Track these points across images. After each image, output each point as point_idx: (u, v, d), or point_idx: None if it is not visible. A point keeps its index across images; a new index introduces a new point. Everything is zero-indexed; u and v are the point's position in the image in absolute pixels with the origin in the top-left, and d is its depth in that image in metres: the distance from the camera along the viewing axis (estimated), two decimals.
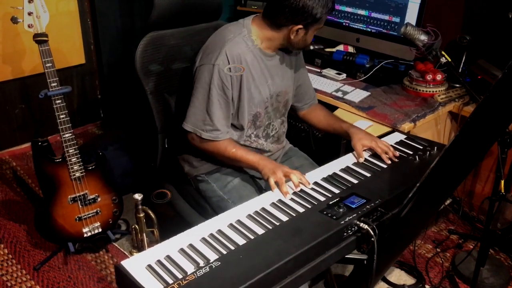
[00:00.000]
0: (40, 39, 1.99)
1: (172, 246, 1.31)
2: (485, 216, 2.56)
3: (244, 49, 1.72)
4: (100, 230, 2.33)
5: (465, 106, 2.29)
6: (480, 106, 1.09)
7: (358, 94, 2.33)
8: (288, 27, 1.69)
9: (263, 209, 1.47)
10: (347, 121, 2.15)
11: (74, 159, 2.16)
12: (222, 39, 1.72)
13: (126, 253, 2.40)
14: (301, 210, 1.46)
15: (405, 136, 1.96)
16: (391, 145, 1.86)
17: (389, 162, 1.72)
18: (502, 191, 1.73)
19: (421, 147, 1.84)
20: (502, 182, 1.72)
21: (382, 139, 1.94)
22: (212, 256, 1.26)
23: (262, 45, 1.77)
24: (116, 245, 2.45)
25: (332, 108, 2.30)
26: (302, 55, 2.00)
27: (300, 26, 1.68)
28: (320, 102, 2.35)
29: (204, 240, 1.33)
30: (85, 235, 2.30)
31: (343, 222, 1.37)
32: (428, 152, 1.77)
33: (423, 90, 2.34)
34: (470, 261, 2.23)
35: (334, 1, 1.72)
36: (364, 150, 1.78)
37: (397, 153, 1.76)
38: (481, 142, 1.13)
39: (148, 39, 1.92)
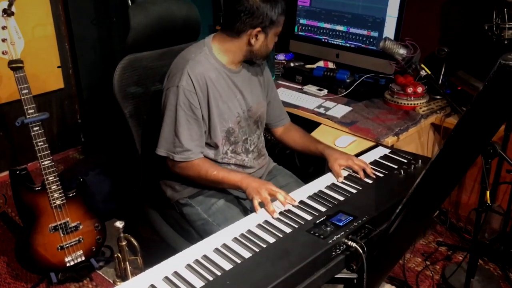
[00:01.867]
0: (15, 65, 1.95)
1: (156, 274, 1.26)
2: (473, 227, 2.57)
3: (207, 66, 1.73)
4: (83, 258, 2.27)
5: (447, 118, 2.30)
6: (463, 119, 1.08)
7: (340, 110, 2.33)
8: (247, 33, 1.70)
9: (249, 231, 1.44)
10: (331, 135, 2.16)
11: (54, 187, 2.11)
12: (184, 60, 1.73)
13: (111, 281, 2.33)
14: (288, 230, 1.43)
15: (389, 150, 1.95)
16: (375, 160, 1.86)
17: (364, 178, 1.71)
18: (488, 201, 1.72)
19: (406, 161, 1.83)
20: (488, 192, 1.71)
21: (366, 154, 1.94)
22: (198, 283, 1.22)
23: (226, 61, 1.77)
24: (101, 273, 2.38)
25: (315, 125, 2.29)
26: (269, 71, 2.01)
27: (259, 29, 1.69)
28: (302, 118, 2.35)
29: (189, 266, 1.29)
30: (67, 265, 2.24)
31: (331, 241, 1.35)
32: (413, 166, 1.76)
33: (404, 103, 2.35)
34: (460, 272, 2.21)
35: (284, 2, 1.73)
36: (343, 169, 1.76)
37: (373, 171, 1.74)
38: (466, 155, 1.12)
39: (126, 62, 1.89)
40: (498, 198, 2.50)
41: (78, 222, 2.22)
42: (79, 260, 2.26)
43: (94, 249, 2.30)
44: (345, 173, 1.76)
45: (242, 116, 1.83)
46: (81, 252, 2.26)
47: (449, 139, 1.12)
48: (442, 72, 2.40)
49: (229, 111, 1.78)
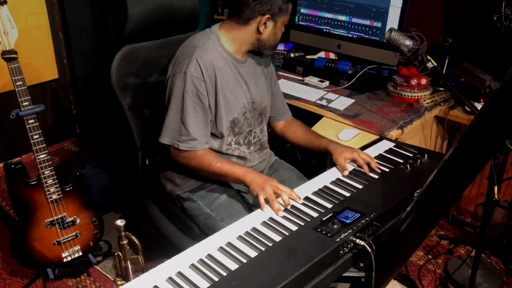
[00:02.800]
0: (9, 56, 1.88)
1: (159, 275, 1.22)
2: (474, 219, 2.55)
3: (215, 54, 1.68)
4: (80, 253, 2.22)
5: (451, 110, 2.26)
6: (480, 115, 1.04)
7: (342, 102, 2.28)
8: (256, 20, 1.66)
9: (254, 229, 1.40)
10: (334, 128, 2.12)
11: (50, 181, 2.05)
12: (191, 47, 1.68)
13: (109, 276, 2.29)
14: (294, 228, 1.39)
15: (394, 144, 1.91)
16: (380, 154, 1.82)
17: (370, 173, 1.68)
18: (496, 197, 1.69)
19: (411, 155, 1.79)
20: (496, 188, 1.68)
21: (371, 147, 1.90)
22: (204, 284, 1.18)
23: (233, 50, 1.73)
24: (98, 268, 2.33)
25: (317, 117, 2.25)
26: (273, 64, 1.96)
27: (268, 16, 1.65)
28: (304, 111, 2.31)
29: (193, 266, 1.25)
30: (64, 260, 2.19)
31: (338, 239, 1.31)
32: (419, 160, 1.72)
33: (408, 95, 2.30)
34: (462, 267, 2.19)
35: None
36: (348, 163, 1.73)
37: (378, 165, 1.71)
38: (482, 152, 1.08)
39: (124, 53, 1.83)
40: (500, 191, 2.48)
41: (75, 216, 2.17)
42: (76, 255, 2.21)
43: (91, 244, 2.25)
44: (350, 167, 1.72)
45: (247, 107, 1.79)
46: (78, 247, 2.21)
47: (464, 136, 1.08)
48: (446, 64, 2.35)
49: (235, 101, 1.74)
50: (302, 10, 2.73)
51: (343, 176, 1.68)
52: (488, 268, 2.29)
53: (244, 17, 1.66)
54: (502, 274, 2.29)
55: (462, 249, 2.46)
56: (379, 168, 1.70)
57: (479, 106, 2.10)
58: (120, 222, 1.28)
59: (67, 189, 2.13)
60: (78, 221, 2.18)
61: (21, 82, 1.92)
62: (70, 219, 2.15)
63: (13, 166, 2.02)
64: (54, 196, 2.08)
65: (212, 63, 1.65)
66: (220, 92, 1.68)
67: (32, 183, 2.05)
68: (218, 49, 1.70)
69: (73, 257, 2.21)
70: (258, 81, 1.84)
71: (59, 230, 2.14)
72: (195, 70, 1.63)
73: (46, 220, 2.10)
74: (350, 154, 1.73)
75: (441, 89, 2.38)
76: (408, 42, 1.93)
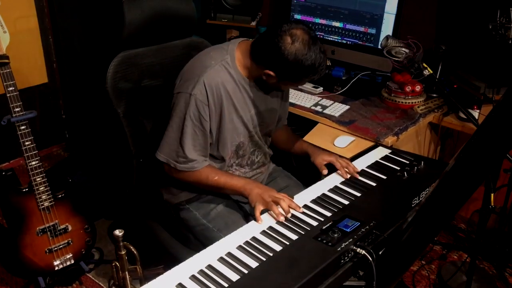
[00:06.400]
0: (1, 61, 1.85)
1: (159, 286, 1.20)
2: (469, 226, 2.56)
3: (225, 77, 1.61)
4: (72, 261, 2.18)
5: (445, 117, 2.27)
6: (484, 125, 1.04)
7: (337, 108, 2.28)
8: (260, 66, 1.60)
9: (254, 238, 1.39)
10: (329, 135, 2.12)
11: (42, 188, 2.02)
12: (202, 66, 1.62)
13: (101, 284, 2.26)
14: (294, 237, 1.38)
15: (389, 151, 1.92)
16: (377, 161, 1.83)
17: (348, 176, 1.70)
18: (492, 204, 1.70)
19: (408, 162, 1.80)
20: (492, 195, 1.69)
21: (367, 154, 1.91)
22: None
23: (245, 74, 1.66)
24: (90, 276, 2.31)
25: (312, 123, 2.24)
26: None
27: (272, 74, 1.58)
28: (299, 117, 2.30)
29: (194, 278, 1.24)
30: (56, 268, 2.15)
31: (339, 248, 1.31)
32: (415, 167, 1.73)
33: (402, 102, 2.31)
34: (455, 272, 2.20)
35: (321, 73, 1.62)
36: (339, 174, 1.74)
37: (358, 169, 1.73)
38: (486, 162, 1.09)
39: (120, 59, 1.80)
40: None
41: (67, 224, 2.13)
42: (68, 263, 2.17)
43: (83, 252, 2.22)
44: (338, 178, 1.73)
45: (253, 130, 1.75)
46: (70, 255, 2.17)
47: (467, 146, 1.08)
48: (439, 70, 2.37)
49: (242, 126, 1.70)
50: (296, 16, 2.72)
51: (341, 183, 1.68)
52: (481, 273, 2.31)
53: (256, 55, 1.60)
54: (495, 279, 2.31)
55: (455, 255, 2.47)
56: (377, 176, 1.70)
57: (473, 112, 2.11)
58: (118, 232, 1.26)
59: (59, 196, 2.09)
60: (70, 228, 2.14)
61: (13, 88, 1.89)
62: (62, 227, 2.12)
63: (4, 173, 1.99)
64: (46, 204, 2.05)
65: (219, 87, 1.59)
66: (226, 117, 1.63)
67: (24, 190, 2.01)
68: (230, 71, 1.62)
69: (65, 265, 2.17)
70: (269, 103, 1.78)
71: (50, 237, 2.10)
72: (201, 93, 1.57)
73: (37, 228, 2.06)
74: (328, 157, 1.78)
75: (434, 95, 2.39)
76: (405, 50, 1.93)
